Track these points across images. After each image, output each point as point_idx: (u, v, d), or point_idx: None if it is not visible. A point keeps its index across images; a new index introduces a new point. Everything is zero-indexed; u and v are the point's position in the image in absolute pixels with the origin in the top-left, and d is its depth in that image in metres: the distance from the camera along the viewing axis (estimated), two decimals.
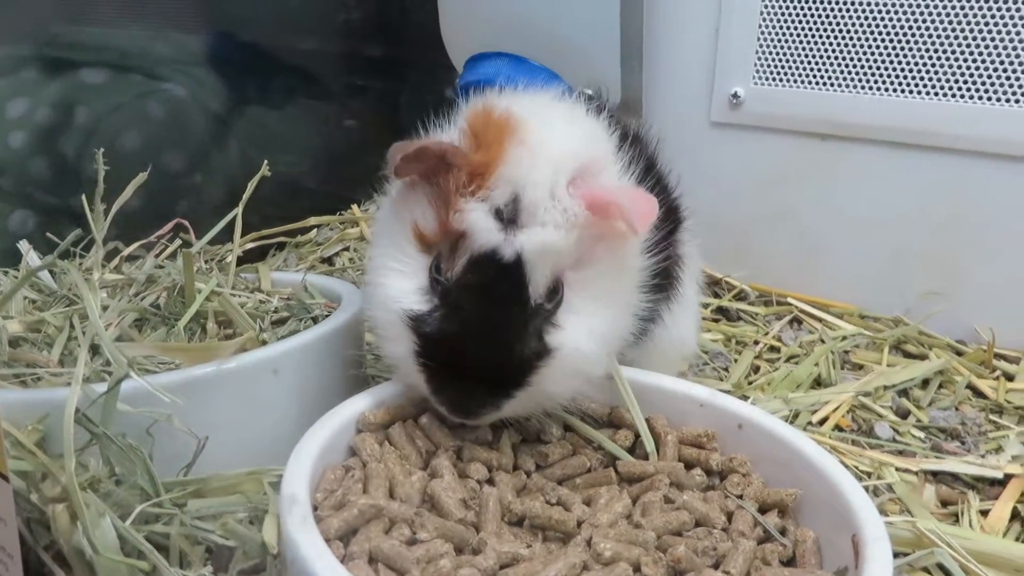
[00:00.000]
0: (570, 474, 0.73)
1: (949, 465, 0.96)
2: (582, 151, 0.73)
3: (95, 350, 0.81)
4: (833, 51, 1.37)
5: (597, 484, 0.72)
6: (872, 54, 1.34)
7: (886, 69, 1.33)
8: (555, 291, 0.71)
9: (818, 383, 1.20)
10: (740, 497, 0.71)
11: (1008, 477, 0.95)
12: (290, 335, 0.88)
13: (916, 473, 0.96)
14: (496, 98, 0.78)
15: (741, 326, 1.40)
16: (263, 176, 1.08)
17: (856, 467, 0.97)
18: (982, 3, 1.23)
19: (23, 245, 1.03)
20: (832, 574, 0.62)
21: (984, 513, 0.90)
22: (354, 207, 1.80)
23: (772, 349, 1.32)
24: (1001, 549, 0.79)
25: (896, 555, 0.70)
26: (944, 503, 0.92)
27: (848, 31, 1.35)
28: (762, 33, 1.43)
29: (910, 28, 1.29)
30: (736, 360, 1.26)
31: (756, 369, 1.25)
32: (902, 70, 1.32)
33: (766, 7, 1.41)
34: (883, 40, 1.32)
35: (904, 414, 1.11)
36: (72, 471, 0.60)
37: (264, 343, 0.87)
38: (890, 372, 1.20)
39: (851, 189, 1.42)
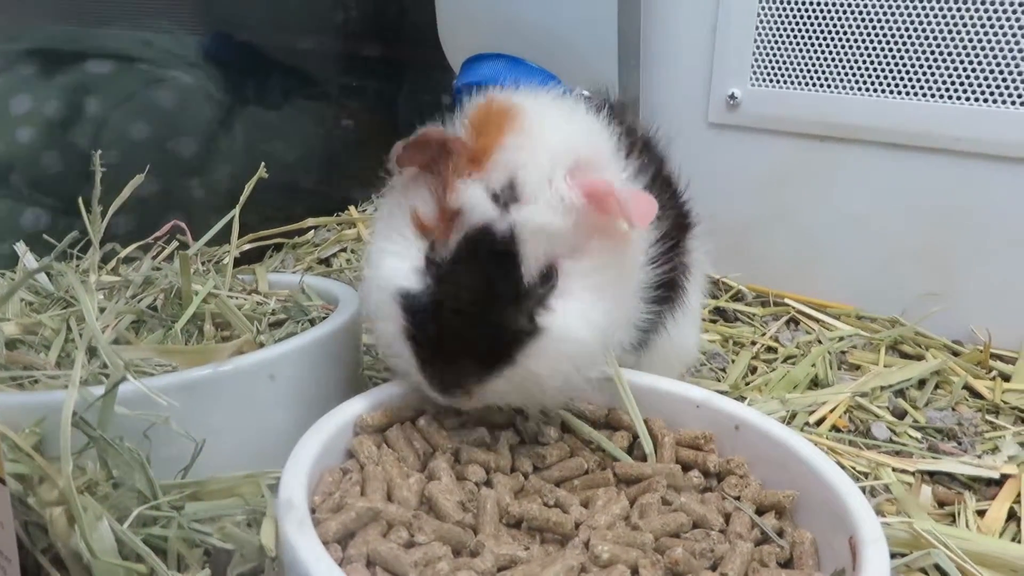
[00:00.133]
0: (568, 476, 0.73)
1: (946, 465, 0.97)
2: (582, 147, 0.74)
3: (92, 352, 0.81)
4: (830, 52, 1.37)
5: (595, 486, 0.72)
6: (869, 55, 1.34)
7: (883, 70, 1.33)
8: (549, 276, 0.71)
9: (815, 384, 1.20)
10: (737, 499, 0.71)
11: (1004, 477, 0.95)
12: (287, 337, 0.88)
13: (913, 473, 0.96)
14: (498, 93, 0.79)
15: (738, 327, 1.40)
16: (260, 177, 1.08)
17: (853, 468, 0.97)
18: (979, 5, 1.23)
19: (19, 247, 1.03)
20: (829, 575, 0.62)
21: (980, 513, 0.90)
22: (351, 208, 1.80)
23: (769, 350, 1.33)
24: (997, 549, 0.80)
25: (893, 556, 0.70)
26: (941, 503, 0.92)
27: (845, 33, 1.35)
28: (759, 34, 1.43)
29: (907, 30, 1.30)
30: (733, 361, 1.26)
31: (753, 370, 1.25)
32: (899, 71, 1.32)
33: (763, 8, 1.42)
34: (880, 42, 1.32)
35: (901, 415, 1.11)
36: (69, 474, 0.59)
37: (261, 345, 0.87)
38: (887, 373, 1.20)
39: (848, 190, 1.42)
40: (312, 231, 1.69)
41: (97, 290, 0.95)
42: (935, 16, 1.27)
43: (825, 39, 1.38)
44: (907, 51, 1.30)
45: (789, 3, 1.39)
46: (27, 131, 1.30)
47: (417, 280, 0.72)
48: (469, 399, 0.72)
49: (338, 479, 0.68)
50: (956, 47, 1.26)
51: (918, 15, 1.28)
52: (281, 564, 0.58)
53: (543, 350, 0.70)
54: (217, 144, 1.59)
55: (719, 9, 1.45)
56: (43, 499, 0.62)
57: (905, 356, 1.31)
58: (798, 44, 1.40)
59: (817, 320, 1.42)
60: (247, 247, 1.17)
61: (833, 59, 1.37)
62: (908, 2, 1.29)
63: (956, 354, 1.30)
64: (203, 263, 1.14)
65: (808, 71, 1.40)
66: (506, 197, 0.70)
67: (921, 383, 1.20)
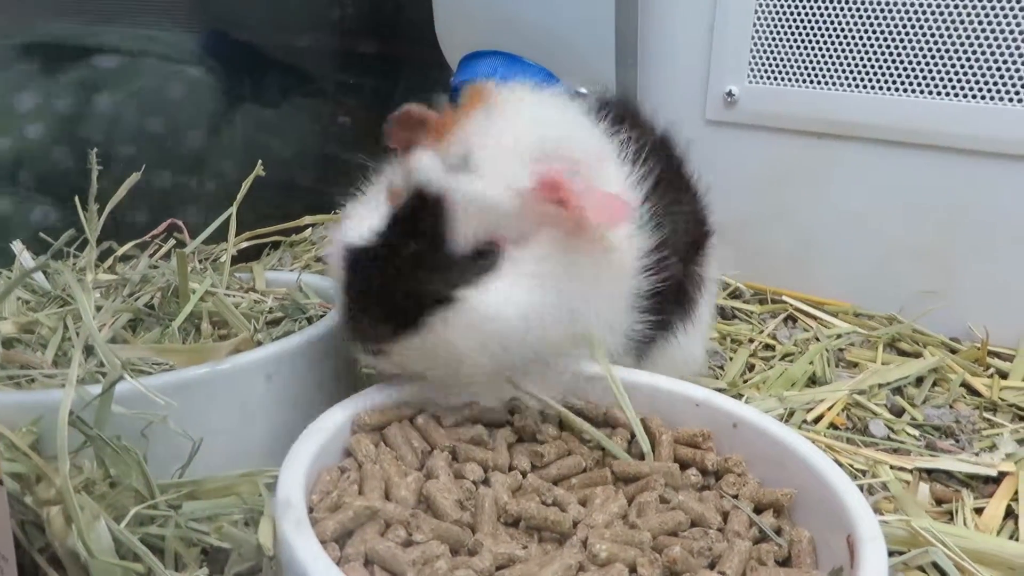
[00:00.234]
0: (565, 474, 0.73)
1: (943, 463, 0.97)
2: (558, 141, 0.74)
3: (89, 351, 0.81)
4: (828, 49, 1.37)
5: (593, 484, 0.72)
6: (867, 52, 1.34)
7: (881, 67, 1.33)
8: (486, 254, 0.72)
9: (813, 381, 1.20)
10: (736, 497, 0.71)
11: (1002, 475, 0.95)
12: (285, 336, 0.88)
13: (911, 471, 0.96)
14: (494, 82, 0.80)
15: (736, 324, 1.40)
16: (257, 175, 1.07)
17: (851, 465, 0.97)
18: (977, 2, 1.23)
19: (16, 245, 1.02)
20: (827, 574, 0.62)
21: (978, 511, 0.90)
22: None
23: (767, 347, 1.33)
24: (995, 547, 0.80)
25: (891, 554, 0.70)
26: (938, 501, 0.92)
27: (843, 29, 1.35)
28: (757, 31, 1.43)
29: (905, 26, 1.30)
30: (731, 358, 1.26)
31: (751, 367, 1.25)
32: (897, 68, 1.32)
33: (761, 5, 1.41)
34: (878, 38, 1.32)
35: (898, 412, 1.11)
36: (66, 473, 0.59)
37: (259, 344, 0.86)
38: (884, 370, 1.20)
39: (846, 187, 1.42)
40: (310, 229, 1.69)
41: (94, 289, 0.95)
42: (933, 13, 1.27)
43: (823, 36, 1.37)
44: (905, 48, 1.30)
45: (787, 0, 1.39)
46: (34, 128, 1.30)
47: (365, 239, 0.74)
48: (385, 358, 0.73)
49: (336, 478, 0.68)
50: (954, 44, 1.26)
51: (916, 12, 1.28)
52: (279, 563, 0.58)
53: (456, 321, 0.70)
54: (214, 142, 1.59)
55: (716, 6, 1.45)
56: (40, 498, 0.62)
57: (903, 354, 1.31)
58: (795, 41, 1.40)
59: (815, 318, 1.42)
60: (244, 245, 1.17)
61: (831, 56, 1.37)
62: None
63: (954, 351, 1.30)
64: (200, 261, 1.14)
65: (806, 68, 1.40)
66: (456, 168, 0.71)
67: (919, 381, 1.20)
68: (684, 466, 0.75)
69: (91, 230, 0.95)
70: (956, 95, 1.28)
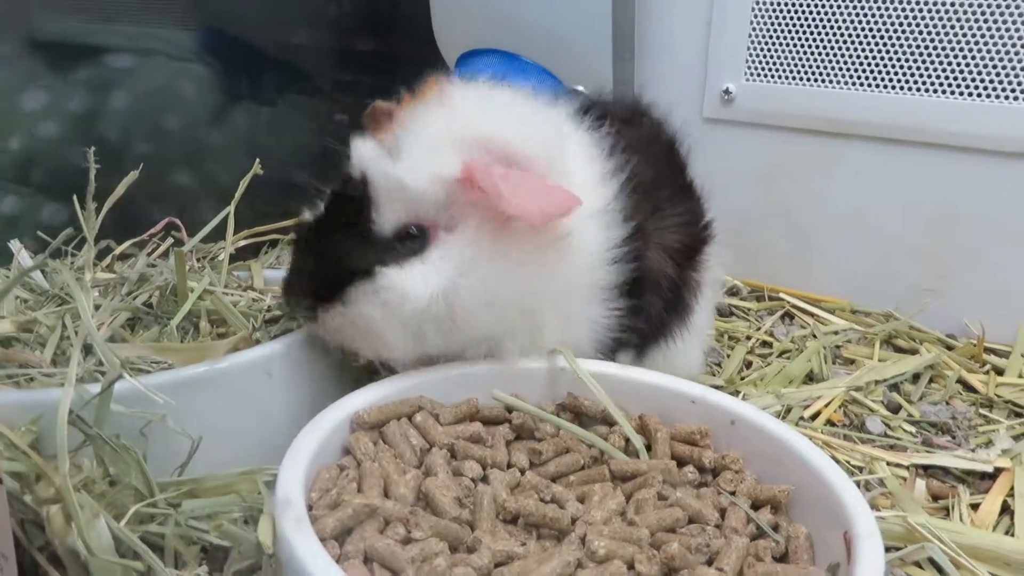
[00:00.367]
0: (564, 471, 0.73)
1: (940, 459, 0.97)
2: (499, 137, 0.75)
3: (88, 350, 0.81)
4: (825, 47, 1.38)
5: (591, 481, 0.72)
6: (864, 50, 1.34)
7: (878, 65, 1.33)
8: (412, 237, 0.76)
9: (810, 378, 1.20)
10: (733, 494, 0.71)
11: (998, 471, 0.95)
12: (283, 334, 0.88)
13: (907, 467, 0.97)
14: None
15: (733, 321, 1.40)
16: (255, 173, 1.07)
17: (847, 462, 0.97)
18: None
19: (14, 244, 1.02)
20: (824, 570, 0.63)
21: (974, 507, 0.90)
22: None
23: (764, 344, 1.33)
24: (991, 543, 0.80)
25: (887, 549, 0.70)
26: (935, 497, 0.93)
27: (840, 27, 1.35)
28: (754, 29, 1.43)
29: (902, 24, 1.30)
30: (728, 355, 1.27)
31: (748, 364, 1.26)
32: (894, 66, 1.32)
33: (758, 3, 1.42)
34: (875, 36, 1.33)
35: (895, 408, 1.11)
36: (66, 472, 0.59)
37: (257, 342, 0.86)
38: (881, 367, 1.21)
39: (843, 185, 1.42)
40: None
41: (92, 287, 0.95)
42: (929, 11, 1.27)
43: (820, 34, 1.38)
44: (902, 45, 1.31)
45: None
46: (43, 127, 1.30)
47: (312, 218, 0.81)
48: (315, 325, 0.79)
49: (335, 476, 0.68)
50: (951, 42, 1.27)
51: (913, 9, 1.28)
52: (278, 561, 0.58)
53: (375, 296, 0.75)
54: (211, 140, 1.59)
55: (714, 4, 1.45)
56: (40, 497, 0.62)
57: (899, 350, 1.31)
58: (793, 39, 1.40)
59: (812, 315, 1.42)
60: (242, 243, 1.17)
61: (828, 54, 1.38)
62: None
63: (950, 348, 1.30)
64: (198, 260, 1.14)
65: (803, 66, 1.40)
66: (388, 155, 0.76)
67: (915, 377, 1.20)
68: (682, 463, 0.75)
69: (89, 228, 0.95)
70: (953, 93, 1.28)
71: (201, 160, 1.56)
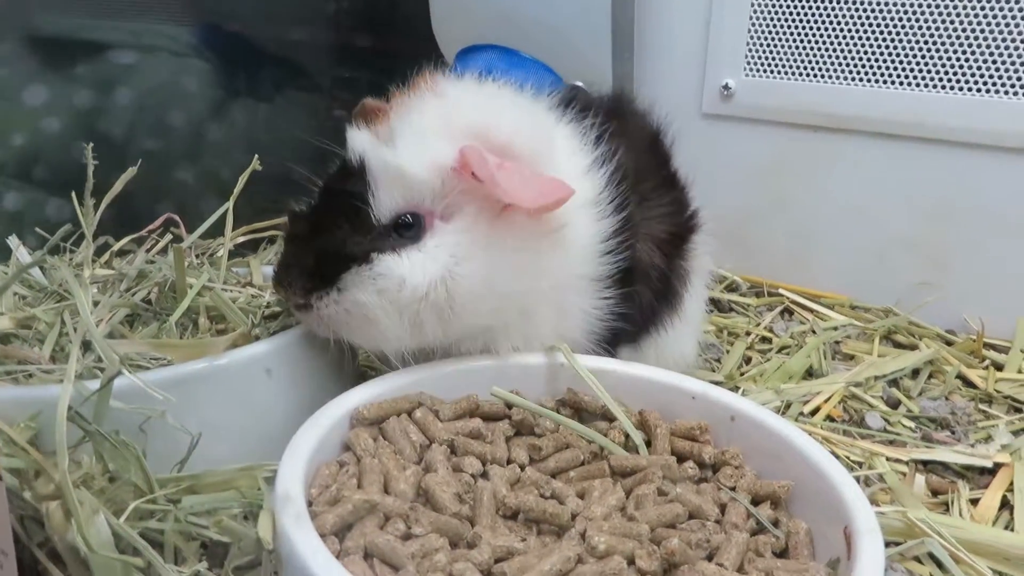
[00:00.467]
0: (564, 467, 0.73)
1: (939, 455, 0.97)
2: (492, 127, 0.76)
3: (87, 347, 0.80)
4: (825, 42, 1.37)
5: (591, 477, 0.72)
6: (864, 45, 1.34)
7: (878, 60, 1.33)
8: (408, 226, 0.76)
9: (809, 374, 1.20)
10: (733, 489, 0.71)
11: (997, 466, 0.95)
12: (282, 330, 0.87)
13: (907, 463, 0.97)
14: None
15: (733, 317, 1.40)
16: (254, 169, 1.07)
17: (847, 457, 0.97)
18: None
19: (12, 240, 1.02)
20: (824, 565, 0.63)
21: (974, 502, 0.90)
22: None
23: (764, 340, 1.33)
24: (990, 538, 0.80)
25: (887, 545, 0.70)
26: (934, 492, 0.93)
27: (840, 22, 1.35)
28: (753, 24, 1.43)
29: (902, 19, 1.30)
30: (728, 351, 1.27)
31: (748, 360, 1.26)
32: (893, 61, 1.32)
33: None
34: (875, 31, 1.32)
35: (895, 404, 1.11)
36: (65, 468, 0.59)
37: (256, 339, 0.86)
38: (881, 362, 1.21)
39: (842, 181, 1.42)
40: None
41: (91, 284, 0.95)
42: (929, 6, 1.27)
43: (819, 29, 1.37)
44: (902, 41, 1.30)
45: None
46: (47, 122, 1.30)
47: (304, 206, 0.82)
48: (306, 314, 0.78)
49: (335, 472, 0.68)
50: (951, 36, 1.26)
51: (912, 4, 1.28)
52: (278, 557, 0.58)
53: (369, 283, 0.75)
54: (210, 136, 1.58)
55: (713, 0, 1.45)
56: (39, 493, 0.62)
57: (899, 346, 1.31)
58: (792, 34, 1.40)
59: (811, 310, 1.42)
60: (241, 240, 1.17)
61: (827, 49, 1.37)
62: None
63: (949, 344, 1.30)
64: (197, 256, 1.13)
65: (802, 61, 1.40)
66: (383, 144, 0.76)
67: (915, 373, 1.21)
68: (681, 459, 0.75)
69: (87, 225, 0.95)
70: (952, 88, 1.28)
71: (200, 156, 1.56)
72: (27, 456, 0.64)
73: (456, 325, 0.78)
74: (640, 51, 1.52)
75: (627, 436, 0.77)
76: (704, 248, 0.99)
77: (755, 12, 1.42)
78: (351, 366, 0.89)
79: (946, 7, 1.25)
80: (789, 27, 1.40)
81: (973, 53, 1.25)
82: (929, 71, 1.29)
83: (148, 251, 1.09)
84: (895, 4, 1.29)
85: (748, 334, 1.33)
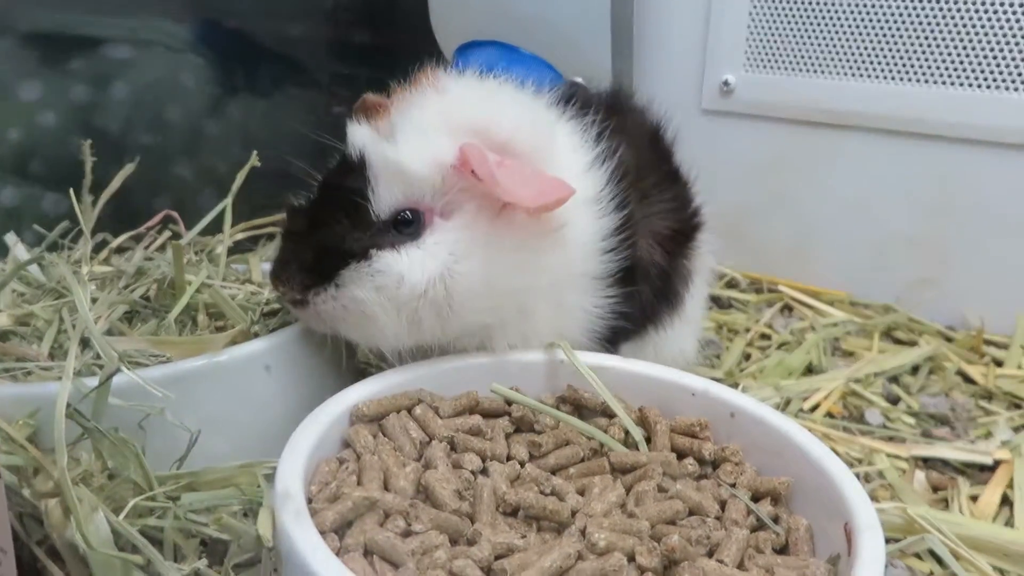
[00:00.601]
0: (563, 464, 0.73)
1: (939, 451, 0.97)
2: (493, 124, 0.76)
3: (85, 344, 0.80)
4: (824, 38, 1.37)
5: (591, 473, 0.72)
6: (863, 41, 1.34)
7: (877, 56, 1.33)
8: (407, 222, 0.75)
9: (809, 370, 1.20)
10: (733, 486, 0.71)
11: (997, 463, 0.95)
12: (282, 327, 0.87)
13: (906, 459, 0.97)
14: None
15: (732, 314, 1.40)
16: (252, 165, 1.07)
17: (847, 453, 0.97)
18: None
19: (10, 237, 1.02)
20: (824, 561, 0.62)
21: (974, 498, 0.90)
22: None
23: (763, 337, 1.33)
24: (990, 534, 0.80)
25: (887, 541, 0.70)
26: (934, 489, 0.93)
27: (839, 18, 1.35)
28: (753, 20, 1.42)
29: (902, 14, 1.29)
30: (728, 348, 1.27)
31: (748, 357, 1.25)
32: (893, 57, 1.32)
33: None
34: (874, 27, 1.32)
35: (894, 400, 1.11)
36: (64, 466, 0.59)
37: (256, 335, 0.86)
38: (880, 359, 1.21)
39: (842, 176, 1.42)
40: None
41: (89, 281, 0.94)
42: (928, 1, 1.26)
43: (819, 24, 1.37)
44: (902, 36, 1.30)
45: None
46: (43, 117, 1.30)
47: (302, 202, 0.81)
48: (304, 310, 0.77)
49: (334, 469, 0.68)
50: (951, 32, 1.26)
51: (912, 1, 1.28)
52: (278, 554, 0.58)
53: (368, 280, 0.74)
54: (209, 133, 1.58)
55: None
56: (38, 491, 0.62)
57: (898, 342, 1.31)
58: (792, 29, 1.40)
59: (811, 307, 1.42)
60: (240, 236, 1.16)
61: (827, 44, 1.37)
62: None
63: (949, 340, 1.30)
64: (196, 253, 1.13)
65: (802, 56, 1.40)
66: (383, 139, 0.76)
67: (914, 369, 1.21)
68: (681, 455, 0.75)
69: (86, 221, 0.95)
70: (952, 83, 1.28)
71: (198, 152, 1.55)
72: (26, 453, 0.64)
73: (454, 323, 0.77)
74: (640, 47, 1.52)
75: (627, 433, 0.77)
76: (707, 247, 0.98)
77: (755, 7, 1.42)
78: (350, 363, 0.89)
79: (947, 2, 1.25)
80: (789, 22, 1.40)
81: (974, 48, 1.25)
82: (929, 66, 1.29)
83: (146, 248, 1.09)
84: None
85: (748, 331, 1.33)
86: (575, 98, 0.89)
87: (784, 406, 1.08)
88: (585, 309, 0.83)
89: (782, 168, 1.48)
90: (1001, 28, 1.22)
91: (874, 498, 0.87)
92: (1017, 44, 1.22)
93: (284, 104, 1.77)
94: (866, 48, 1.33)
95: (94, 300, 0.90)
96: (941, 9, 1.26)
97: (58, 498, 0.60)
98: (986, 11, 1.22)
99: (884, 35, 1.32)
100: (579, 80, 1.33)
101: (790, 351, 1.24)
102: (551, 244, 0.78)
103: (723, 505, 0.69)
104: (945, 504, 0.90)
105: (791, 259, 1.51)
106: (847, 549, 0.61)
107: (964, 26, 1.25)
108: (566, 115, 0.87)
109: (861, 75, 1.35)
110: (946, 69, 1.28)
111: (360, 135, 0.78)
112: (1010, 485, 0.92)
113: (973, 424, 1.06)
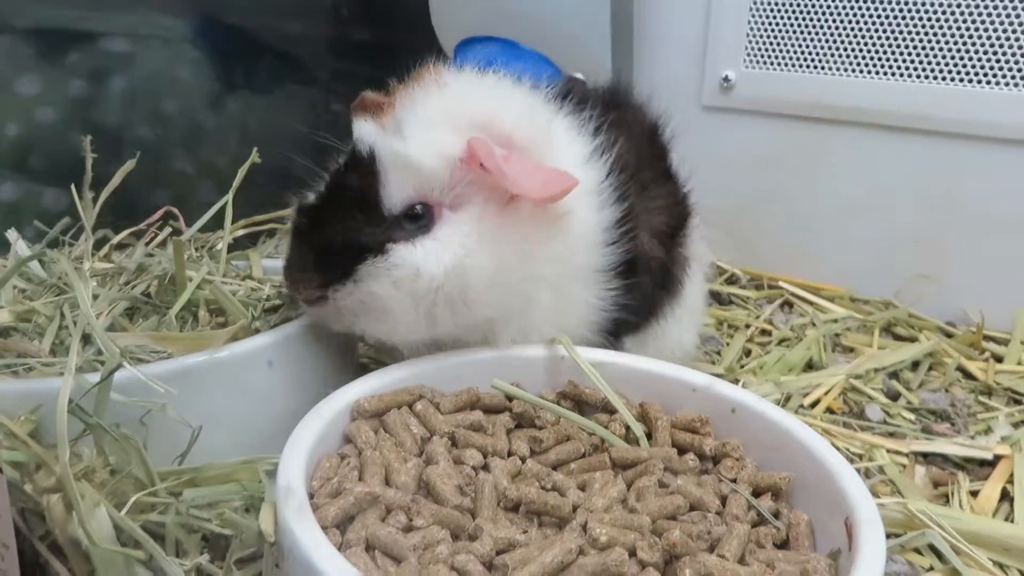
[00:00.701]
0: (564, 459, 0.73)
1: (939, 447, 0.97)
2: (497, 118, 0.76)
3: (87, 340, 0.80)
4: (824, 34, 1.37)
5: (592, 469, 0.72)
6: (863, 37, 1.33)
7: (877, 52, 1.33)
8: (418, 216, 0.76)
9: (809, 366, 1.20)
10: (734, 481, 0.71)
11: (997, 458, 0.96)
12: (283, 323, 0.87)
13: (907, 455, 0.97)
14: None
15: (732, 310, 1.40)
16: (253, 162, 1.07)
17: (847, 449, 0.97)
18: None
19: (11, 234, 1.02)
20: (825, 556, 0.63)
21: (974, 494, 0.91)
22: None
23: (763, 332, 1.33)
24: (990, 529, 0.80)
25: (888, 536, 0.70)
26: (935, 484, 0.93)
27: (839, 14, 1.35)
28: (753, 16, 1.42)
29: (902, 11, 1.29)
30: (728, 344, 1.27)
31: (748, 352, 1.26)
32: (893, 53, 1.32)
33: None
34: (874, 23, 1.32)
35: (895, 396, 1.11)
36: (66, 461, 0.59)
37: (256, 331, 0.86)
38: (880, 355, 1.21)
39: (842, 172, 1.42)
40: None
41: (90, 277, 0.94)
42: None
43: (819, 21, 1.37)
44: (901, 33, 1.30)
45: None
46: (42, 112, 1.30)
47: (312, 199, 0.81)
48: (319, 307, 0.77)
49: (336, 464, 0.68)
50: (950, 29, 1.26)
51: None
52: (280, 549, 0.58)
53: (384, 274, 0.74)
54: (209, 129, 1.58)
55: None
56: (40, 486, 0.62)
57: (899, 338, 1.31)
58: (792, 26, 1.40)
59: (811, 303, 1.42)
60: (240, 233, 1.17)
61: (827, 41, 1.37)
62: None
63: (949, 336, 1.31)
64: (196, 249, 1.13)
65: (802, 53, 1.40)
66: (390, 134, 0.76)
67: (915, 365, 1.21)
68: (682, 451, 0.75)
69: (87, 217, 0.95)
70: (952, 79, 1.28)
71: (198, 148, 1.55)
72: (28, 449, 0.64)
73: (467, 315, 0.78)
74: (639, 43, 1.52)
75: (628, 428, 0.77)
76: (699, 233, 0.99)
77: (755, 3, 1.42)
78: (351, 359, 0.89)
79: None
80: (789, 18, 1.39)
81: (974, 44, 1.25)
82: (930, 63, 1.29)
83: (147, 244, 1.09)
84: None
85: (748, 327, 1.33)
86: (572, 93, 0.90)
87: (784, 402, 1.08)
88: (588, 301, 0.84)
89: (782, 164, 1.47)
90: (1000, 24, 1.22)
91: (875, 493, 0.87)
92: (1016, 40, 1.21)
93: (283, 100, 1.77)
94: (866, 45, 1.33)
95: (95, 296, 0.90)
96: (941, 5, 1.26)
97: (60, 494, 0.61)
98: (985, 7, 1.22)
99: (884, 32, 1.31)
100: (579, 76, 1.33)
101: (790, 347, 1.24)
102: (555, 234, 0.79)
103: (724, 500, 0.69)
104: (945, 499, 0.90)
105: (791, 255, 1.51)
106: (848, 544, 0.61)
107: (963, 22, 1.25)
108: (564, 110, 0.87)
109: (861, 71, 1.35)
110: (946, 65, 1.28)
111: (368, 131, 0.78)
112: (1010, 480, 0.92)
113: (973, 420, 1.06)
